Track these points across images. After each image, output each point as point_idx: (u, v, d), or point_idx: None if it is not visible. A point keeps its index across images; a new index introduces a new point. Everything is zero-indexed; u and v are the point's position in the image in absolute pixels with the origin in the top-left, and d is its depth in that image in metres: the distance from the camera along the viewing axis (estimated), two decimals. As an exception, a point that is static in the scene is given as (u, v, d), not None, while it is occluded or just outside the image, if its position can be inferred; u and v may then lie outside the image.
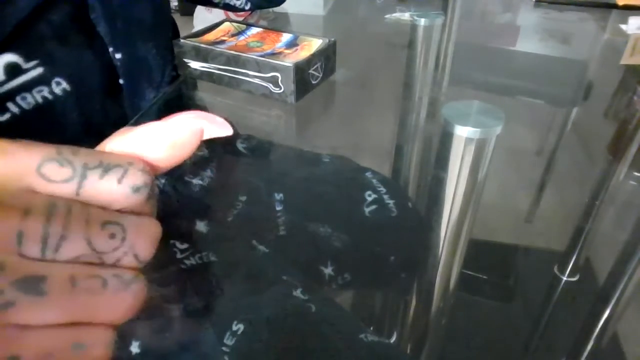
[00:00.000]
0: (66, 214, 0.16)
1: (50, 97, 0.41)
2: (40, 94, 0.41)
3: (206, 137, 0.20)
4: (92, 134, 0.47)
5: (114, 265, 0.17)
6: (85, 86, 0.45)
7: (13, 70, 0.39)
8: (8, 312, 0.15)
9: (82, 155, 0.17)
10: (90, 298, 0.16)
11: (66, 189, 0.16)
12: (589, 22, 0.99)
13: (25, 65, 0.39)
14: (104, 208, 0.17)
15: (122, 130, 0.19)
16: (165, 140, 0.19)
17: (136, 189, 0.17)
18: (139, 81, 0.51)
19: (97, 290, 0.16)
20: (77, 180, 0.16)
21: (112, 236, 0.17)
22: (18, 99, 0.39)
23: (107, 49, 0.46)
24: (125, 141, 0.18)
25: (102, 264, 0.17)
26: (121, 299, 0.17)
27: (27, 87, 0.40)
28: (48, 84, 0.41)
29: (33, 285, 0.15)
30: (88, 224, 0.16)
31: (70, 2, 0.43)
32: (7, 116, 0.39)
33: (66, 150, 0.17)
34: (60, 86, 0.42)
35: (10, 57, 0.38)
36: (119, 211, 0.17)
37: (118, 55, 0.47)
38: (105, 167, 0.17)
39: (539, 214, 0.50)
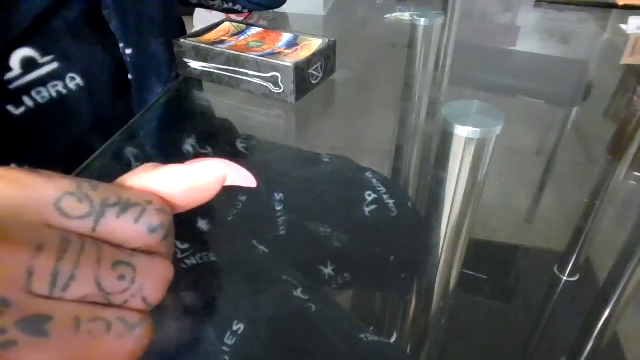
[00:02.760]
0: (78, 252, 0.16)
1: (64, 91, 0.42)
2: (54, 89, 0.41)
3: (228, 184, 0.20)
4: (100, 129, 0.47)
5: (121, 307, 0.17)
6: (97, 82, 0.45)
7: (29, 65, 0.39)
8: (9, 352, 0.15)
9: (101, 191, 0.17)
10: (93, 341, 0.16)
11: (82, 226, 0.16)
12: (589, 22, 0.99)
13: (41, 60, 0.40)
14: (117, 246, 0.17)
15: (146, 166, 0.19)
16: (188, 183, 0.19)
17: (152, 230, 0.17)
18: (147, 76, 0.51)
19: (101, 334, 0.16)
20: (94, 217, 0.16)
21: (122, 277, 0.16)
22: (33, 93, 0.40)
23: (118, 45, 0.47)
24: (148, 179, 0.18)
25: (109, 305, 0.17)
26: (124, 344, 0.17)
27: (43, 81, 0.40)
28: (62, 79, 0.42)
29: (36, 325, 0.15)
30: (99, 264, 0.16)
31: None
32: (22, 110, 0.40)
33: (86, 184, 0.16)
34: (74, 81, 0.42)
35: (26, 52, 0.39)
36: (134, 250, 0.17)
37: (128, 51, 0.48)
38: (124, 206, 0.17)
39: (539, 214, 0.50)
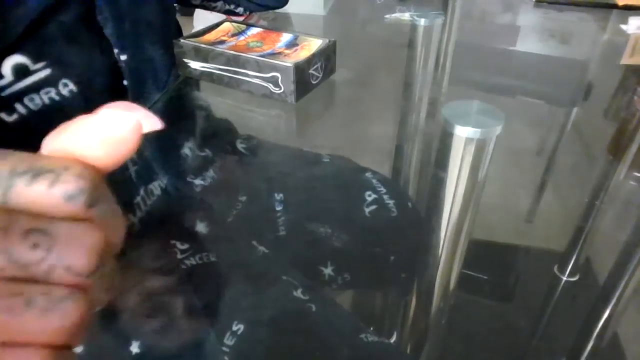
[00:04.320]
0: None
1: (57, 98, 0.42)
2: (47, 95, 0.41)
3: (145, 130, 0.18)
4: None
5: (48, 282, 0.15)
6: (91, 87, 0.45)
7: (21, 72, 0.39)
8: None
9: (11, 159, 0.15)
10: (12, 318, 0.15)
11: None
12: (589, 22, 0.99)
13: (33, 67, 0.40)
14: (35, 215, 0.15)
15: (62, 126, 0.17)
16: (100, 136, 0.17)
17: (70, 197, 0.16)
18: (144, 82, 0.51)
19: (20, 310, 0.15)
20: (2, 187, 0.15)
21: (35, 246, 0.15)
22: (26, 99, 0.40)
23: (113, 51, 0.47)
24: (60, 140, 0.17)
25: (33, 280, 0.15)
26: (48, 320, 0.15)
27: (35, 88, 0.40)
28: (55, 86, 0.41)
29: None
30: (6, 233, 0.15)
31: (79, 3, 0.43)
32: (14, 117, 0.39)
33: None
34: (67, 87, 0.42)
35: (18, 59, 0.39)
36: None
37: (123, 57, 0.47)
38: (35, 173, 0.15)
39: (539, 214, 0.50)
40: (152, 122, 0.18)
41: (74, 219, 0.16)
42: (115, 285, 0.18)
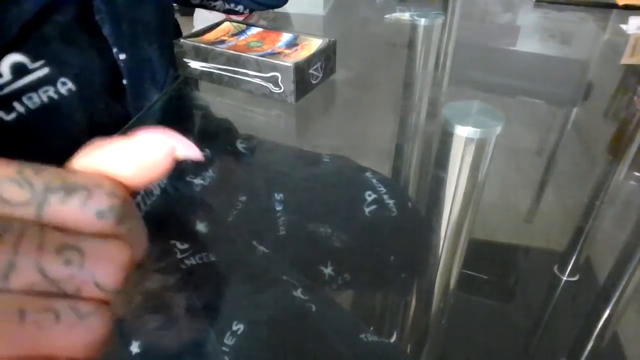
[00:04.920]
0: (17, 239, 0.15)
1: (55, 97, 0.42)
2: (45, 94, 0.41)
3: (178, 156, 0.18)
4: (96, 133, 0.47)
5: (75, 296, 0.16)
6: (90, 86, 0.45)
7: (19, 70, 0.39)
8: None
9: (45, 175, 0.16)
10: (41, 333, 0.15)
11: (26, 212, 0.15)
12: (589, 22, 0.99)
13: (31, 66, 0.40)
14: (66, 231, 0.16)
15: (91, 145, 0.18)
16: (134, 158, 0.17)
17: (101, 214, 0.16)
18: (142, 82, 0.51)
19: (49, 325, 0.15)
20: (36, 203, 0.15)
21: (68, 262, 0.15)
22: (24, 98, 0.40)
23: (112, 50, 0.47)
24: (94, 158, 0.17)
25: (62, 294, 0.15)
26: (75, 335, 0.15)
27: (33, 87, 0.40)
28: (54, 84, 0.41)
29: None
30: (41, 249, 0.15)
31: (76, 3, 0.43)
32: (13, 115, 0.39)
33: (28, 169, 0.15)
34: (65, 86, 0.42)
35: (16, 57, 0.39)
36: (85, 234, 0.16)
37: (122, 56, 0.47)
38: (68, 190, 0.16)
39: (539, 214, 0.50)
40: (187, 150, 0.19)
41: (103, 234, 0.16)
42: (134, 298, 0.18)
